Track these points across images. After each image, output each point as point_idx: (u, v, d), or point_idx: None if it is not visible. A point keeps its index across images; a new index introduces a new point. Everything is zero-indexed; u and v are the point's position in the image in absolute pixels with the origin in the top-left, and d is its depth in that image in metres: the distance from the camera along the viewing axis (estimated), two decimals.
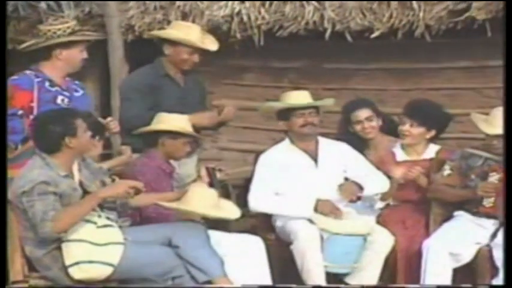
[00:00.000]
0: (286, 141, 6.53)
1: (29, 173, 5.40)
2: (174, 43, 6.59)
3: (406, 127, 6.58)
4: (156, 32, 6.99)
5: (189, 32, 6.66)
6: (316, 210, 6.28)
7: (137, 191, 5.47)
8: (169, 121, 6.22)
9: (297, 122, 6.42)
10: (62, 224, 5.32)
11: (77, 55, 6.27)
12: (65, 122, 5.48)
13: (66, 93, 6.23)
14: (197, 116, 6.46)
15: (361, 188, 6.41)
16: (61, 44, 6.20)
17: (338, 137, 6.68)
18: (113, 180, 5.74)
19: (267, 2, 7.42)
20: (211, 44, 6.76)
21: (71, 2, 7.90)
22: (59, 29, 6.24)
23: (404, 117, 6.62)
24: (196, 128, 6.37)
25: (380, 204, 6.64)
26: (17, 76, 6.15)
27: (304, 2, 7.32)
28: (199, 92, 6.81)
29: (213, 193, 5.75)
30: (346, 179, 6.50)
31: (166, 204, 5.62)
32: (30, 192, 5.31)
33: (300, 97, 6.51)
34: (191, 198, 5.64)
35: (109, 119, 6.36)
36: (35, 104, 6.09)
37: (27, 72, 6.16)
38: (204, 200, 5.64)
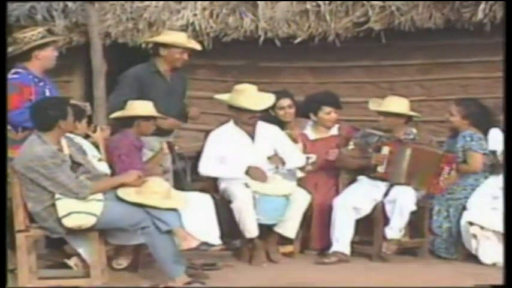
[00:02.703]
0: (231, 123, 6.79)
1: (34, 148, 5.62)
2: (167, 46, 6.73)
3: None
4: (154, 38, 7.05)
5: (178, 37, 6.84)
6: (247, 174, 6.53)
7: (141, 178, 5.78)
8: (142, 108, 6.31)
9: (247, 115, 6.59)
10: (95, 190, 5.64)
11: (51, 54, 6.27)
12: (61, 108, 5.72)
13: (48, 86, 6.28)
14: (161, 121, 6.51)
15: (284, 162, 6.68)
16: (38, 46, 6.18)
17: (262, 119, 6.77)
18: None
19: (214, 15, 7.65)
20: (195, 45, 6.90)
21: (61, 14, 8.00)
22: (32, 35, 6.20)
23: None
24: (158, 129, 6.51)
25: (301, 174, 6.87)
26: (17, 75, 6.09)
27: (243, 15, 7.54)
28: (182, 87, 7.01)
29: (165, 186, 5.80)
30: (275, 154, 6.72)
31: (126, 198, 5.64)
32: (46, 166, 5.54)
33: (256, 99, 6.55)
34: (146, 191, 5.68)
35: (86, 104, 6.51)
36: (33, 97, 6.10)
37: (20, 70, 6.14)
38: (156, 194, 5.68)
